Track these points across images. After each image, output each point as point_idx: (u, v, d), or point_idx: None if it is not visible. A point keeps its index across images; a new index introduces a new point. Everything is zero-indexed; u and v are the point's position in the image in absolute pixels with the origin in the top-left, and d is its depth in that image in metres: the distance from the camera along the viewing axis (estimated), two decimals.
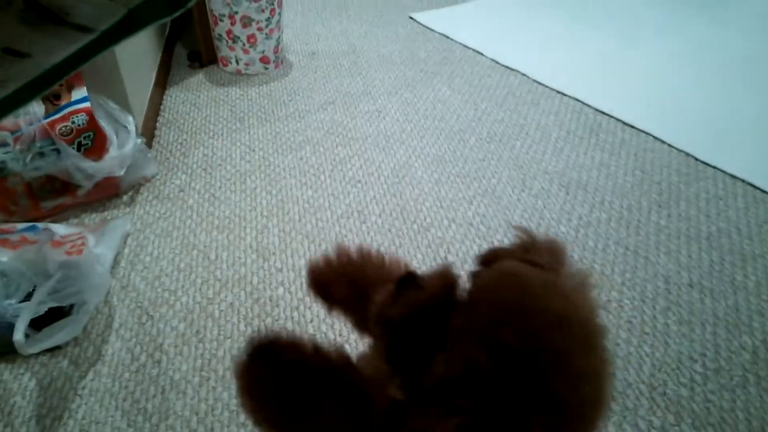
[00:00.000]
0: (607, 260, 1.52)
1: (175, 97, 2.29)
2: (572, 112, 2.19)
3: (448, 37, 2.82)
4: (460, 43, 2.76)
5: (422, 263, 1.50)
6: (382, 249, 1.49)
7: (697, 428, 1.13)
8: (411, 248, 1.55)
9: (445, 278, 0.56)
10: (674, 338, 1.30)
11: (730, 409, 1.17)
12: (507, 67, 2.54)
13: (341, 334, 1.32)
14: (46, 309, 1.17)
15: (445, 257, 1.52)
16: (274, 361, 0.59)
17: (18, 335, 1.07)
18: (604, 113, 2.18)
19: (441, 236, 1.59)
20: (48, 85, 0.62)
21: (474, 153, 1.94)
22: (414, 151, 1.95)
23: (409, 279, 0.56)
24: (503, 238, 1.58)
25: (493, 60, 2.59)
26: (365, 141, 2.01)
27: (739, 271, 1.49)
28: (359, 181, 1.81)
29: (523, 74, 2.48)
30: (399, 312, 0.54)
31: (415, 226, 1.62)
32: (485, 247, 1.55)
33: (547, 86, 2.38)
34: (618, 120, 2.14)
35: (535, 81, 2.42)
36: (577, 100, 2.28)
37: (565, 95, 2.31)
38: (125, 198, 1.75)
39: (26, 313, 1.12)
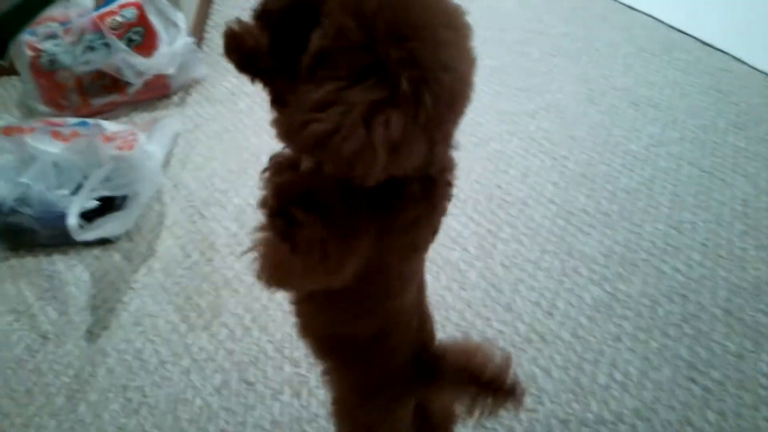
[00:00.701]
0: (679, 180, 1.42)
1: (226, 1, 2.20)
2: (644, 28, 2.03)
3: None
4: None
5: (481, 177, 1.43)
6: None
7: None
8: (469, 161, 1.48)
9: None
10: (752, 263, 1.23)
11: None
12: None
13: None
14: (98, 197, 1.14)
15: (506, 171, 1.45)
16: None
17: (71, 219, 1.05)
18: (678, 30, 2.02)
19: (500, 150, 1.51)
20: None
21: (537, 66, 1.82)
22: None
23: None
24: (568, 155, 1.49)
25: None
26: None
27: None
28: None
29: None
30: (277, 4, 0.54)
31: (474, 139, 1.55)
32: (548, 163, 1.47)
33: (616, 0, 2.21)
34: (694, 38, 1.98)
35: None
36: (650, 15, 2.12)
37: (636, 10, 2.14)
38: (175, 99, 1.70)
39: (79, 199, 1.10)
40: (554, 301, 1.16)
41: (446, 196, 0.59)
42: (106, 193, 1.16)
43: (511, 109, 1.65)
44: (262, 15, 0.56)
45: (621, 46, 1.93)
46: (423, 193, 0.55)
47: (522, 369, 1.04)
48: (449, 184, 0.59)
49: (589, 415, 0.98)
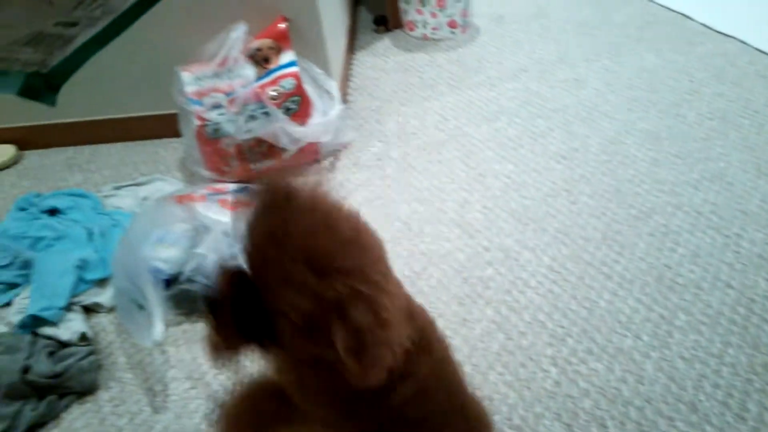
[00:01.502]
0: None
1: (363, 63, 2.28)
2: None
3: None
4: (663, 6, 2.50)
5: (646, 254, 1.36)
6: (587, 234, 1.38)
7: None
8: (632, 236, 1.42)
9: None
10: None
11: None
12: (721, 33, 2.26)
13: (561, 325, 1.23)
14: None
15: (674, 249, 1.37)
16: None
17: None
18: None
19: (665, 224, 1.44)
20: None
21: (694, 131, 1.74)
22: (623, 125, 1.79)
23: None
24: (741, 232, 1.40)
25: (703, 25, 2.32)
26: (565, 112, 1.87)
27: None
28: (564, 157, 1.69)
29: (742, 41, 2.19)
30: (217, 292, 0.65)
31: (633, 211, 1.49)
32: (719, 241, 1.39)
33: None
34: None
35: (757, 49, 2.13)
36: None
37: None
38: (325, 164, 1.76)
39: None
40: (744, 402, 1.07)
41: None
42: None
43: (671, 179, 1.57)
44: (212, 308, 0.66)
45: None
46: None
47: None
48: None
49: None
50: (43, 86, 0.82)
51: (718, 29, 2.28)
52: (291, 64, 1.68)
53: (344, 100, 2.02)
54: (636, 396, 1.09)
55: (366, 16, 2.60)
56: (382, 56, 2.31)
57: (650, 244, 1.39)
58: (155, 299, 1.16)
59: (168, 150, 1.90)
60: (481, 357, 1.19)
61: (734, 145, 1.66)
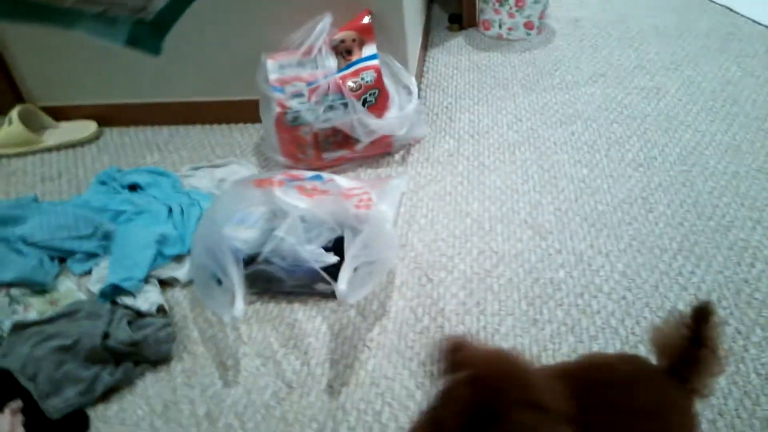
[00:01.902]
0: None
1: (437, 60, 2.29)
2: None
3: (731, 10, 2.50)
4: (748, 17, 2.43)
5: (724, 268, 1.33)
6: (663, 244, 1.35)
7: None
8: (709, 248, 1.38)
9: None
10: None
11: None
12: None
13: (633, 332, 1.22)
14: (359, 263, 1.20)
15: (753, 264, 1.34)
16: None
17: (342, 285, 1.12)
18: None
19: (745, 239, 1.40)
20: None
21: None
22: (703, 136, 1.75)
23: None
24: None
25: None
26: (644, 120, 1.84)
27: None
28: (640, 165, 1.66)
29: None
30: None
31: (711, 224, 1.45)
32: None
33: None
34: None
35: None
36: None
37: None
38: (397, 157, 1.78)
39: (349, 265, 1.16)
40: None
41: None
42: (365, 259, 1.21)
43: (753, 193, 1.53)
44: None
45: None
46: None
47: None
48: None
49: None
50: (148, 34, 0.85)
51: None
52: (372, 57, 1.71)
53: (420, 95, 2.03)
54: (707, 408, 1.07)
55: (440, 14, 2.61)
56: (455, 54, 2.32)
57: (728, 257, 1.36)
58: (237, 276, 1.19)
59: (244, 135, 1.95)
60: (551, 358, 1.19)
61: None
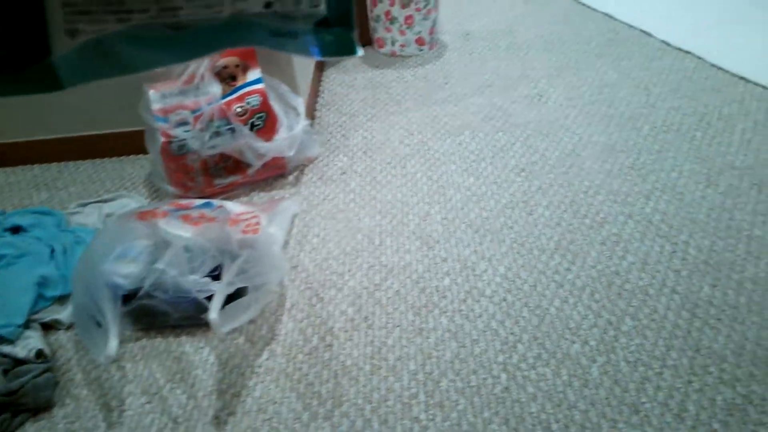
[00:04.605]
0: None
1: (332, 79, 2.32)
2: (759, 101, 1.96)
3: (611, 17, 2.64)
4: (625, 23, 2.58)
5: (597, 262, 1.40)
6: (542, 244, 1.41)
7: None
8: (584, 245, 1.45)
9: None
10: None
11: None
12: (680, 49, 2.33)
13: (512, 332, 1.26)
14: (234, 289, 1.20)
15: (624, 257, 1.41)
16: None
17: (213, 315, 1.11)
18: None
19: (617, 233, 1.48)
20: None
21: (649, 143, 1.79)
22: (581, 139, 1.83)
23: None
24: (689, 240, 1.44)
25: (663, 41, 2.39)
26: (527, 127, 1.92)
27: None
28: (523, 170, 1.73)
29: (699, 57, 2.26)
30: None
31: (587, 221, 1.52)
32: (667, 248, 1.43)
33: (727, 71, 2.15)
34: None
35: (713, 65, 2.20)
36: (765, 87, 2.04)
37: (749, 81, 2.08)
38: (290, 178, 1.79)
39: (220, 293, 1.16)
40: (684, 402, 1.10)
41: None
42: (242, 284, 1.21)
43: (625, 189, 1.62)
44: None
45: (736, 120, 1.87)
46: None
47: None
48: None
49: None
50: (339, 37, 0.72)
51: (677, 45, 2.35)
52: (257, 81, 1.72)
53: (312, 115, 2.05)
54: (581, 399, 1.12)
55: None
56: (351, 72, 2.35)
57: (601, 252, 1.43)
58: (111, 315, 1.17)
59: (135, 166, 1.92)
60: (435, 365, 1.22)
61: (686, 157, 1.71)
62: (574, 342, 1.23)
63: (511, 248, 1.47)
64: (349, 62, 2.43)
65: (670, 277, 1.35)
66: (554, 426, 1.08)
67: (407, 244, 1.52)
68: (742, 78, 2.10)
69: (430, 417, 1.13)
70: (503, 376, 1.18)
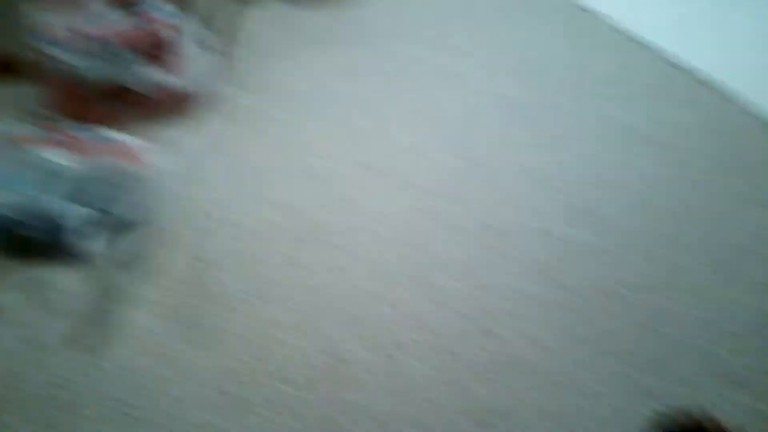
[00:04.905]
0: (679, 221, 1.46)
1: (248, 16, 2.24)
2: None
3: None
4: None
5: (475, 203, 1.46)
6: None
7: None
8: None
9: None
10: None
11: None
12: None
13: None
14: (116, 217, 1.18)
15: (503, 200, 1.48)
16: None
17: (90, 243, 1.09)
18: (676, 65, 2.04)
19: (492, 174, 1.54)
20: None
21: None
22: None
23: None
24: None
25: None
26: (435, 76, 1.95)
27: None
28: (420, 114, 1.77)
29: None
30: None
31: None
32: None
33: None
34: (691, 73, 2.00)
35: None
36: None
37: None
38: (186, 112, 1.74)
39: (99, 222, 1.13)
40: (536, 330, 1.18)
41: None
42: (123, 213, 1.19)
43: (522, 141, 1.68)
44: None
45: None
46: None
47: (497, 393, 1.06)
48: None
49: None
50: None
51: None
52: (159, 8, 1.65)
53: (222, 52, 1.99)
54: (445, 326, 1.18)
55: None
56: (269, 11, 2.28)
57: (484, 195, 1.49)
58: None
59: (18, 92, 1.80)
60: (317, 297, 1.24)
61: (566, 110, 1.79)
62: (447, 275, 1.30)
63: (397, 187, 1.51)
64: (268, 1, 2.36)
65: (542, 220, 1.42)
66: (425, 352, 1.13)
67: (294, 180, 1.53)
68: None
69: (310, 345, 1.16)
70: (382, 307, 1.23)
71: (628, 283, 1.31)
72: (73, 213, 1.22)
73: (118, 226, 1.24)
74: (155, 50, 1.62)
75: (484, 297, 1.26)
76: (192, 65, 1.71)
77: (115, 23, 1.62)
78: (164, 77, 1.64)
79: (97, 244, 1.15)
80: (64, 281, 1.26)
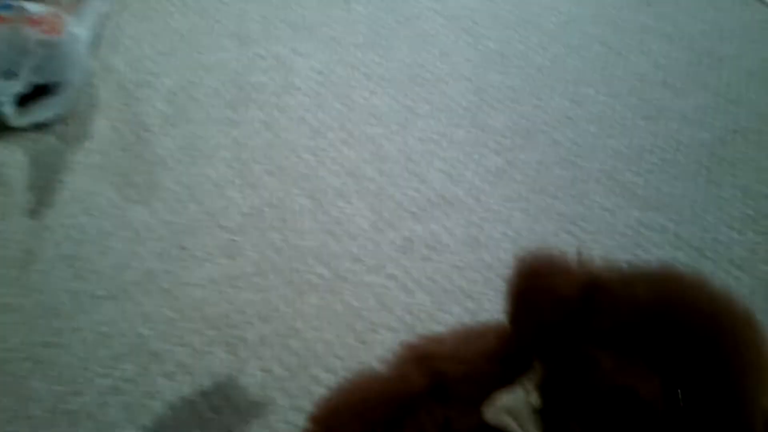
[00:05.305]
0: (587, 58, 1.53)
1: None
2: None
3: None
4: None
5: (406, 56, 1.50)
6: (356, 40, 1.48)
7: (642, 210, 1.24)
8: (395, 40, 1.54)
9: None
10: (637, 133, 1.37)
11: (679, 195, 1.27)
12: None
13: (322, 122, 1.36)
14: (31, 85, 1.18)
15: (429, 50, 1.52)
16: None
17: (6, 108, 1.10)
18: None
19: (425, 29, 1.57)
20: None
21: None
22: None
23: None
24: (489, 33, 1.56)
25: None
26: None
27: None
28: None
29: None
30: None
31: (400, 17, 1.60)
32: (471, 41, 1.55)
33: None
34: None
35: None
36: None
37: None
38: None
39: (12, 87, 1.14)
40: (462, 170, 1.28)
41: None
42: (37, 80, 1.19)
43: None
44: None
45: None
46: None
47: (429, 228, 1.18)
48: None
49: (482, 263, 1.14)
50: None
51: None
52: None
53: None
54: (376, 172, 1.27)
55: None
56: None
57: (410, 46, 1.53)
58: None
59: None
60: (248, 153, 1.30)
61: None
62: (375, 126, 1.35)
63: (327, 45, 1.53)
64: None
65: (466, 67, 1.48)
66: (354, 198, 1.23)
67: (225, 43, 1.53)
68: None
69: (243, 196, 1.23)
70: (311, 158, 1.30)
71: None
72: (2, 88, 1.22)
73: (47, 97, 1.25)
74: None
75: (410, 142, 1.34)
76: None
77: None
78: None
79: (30, 116, 1.16)
80: (6, 154, 1.28)
